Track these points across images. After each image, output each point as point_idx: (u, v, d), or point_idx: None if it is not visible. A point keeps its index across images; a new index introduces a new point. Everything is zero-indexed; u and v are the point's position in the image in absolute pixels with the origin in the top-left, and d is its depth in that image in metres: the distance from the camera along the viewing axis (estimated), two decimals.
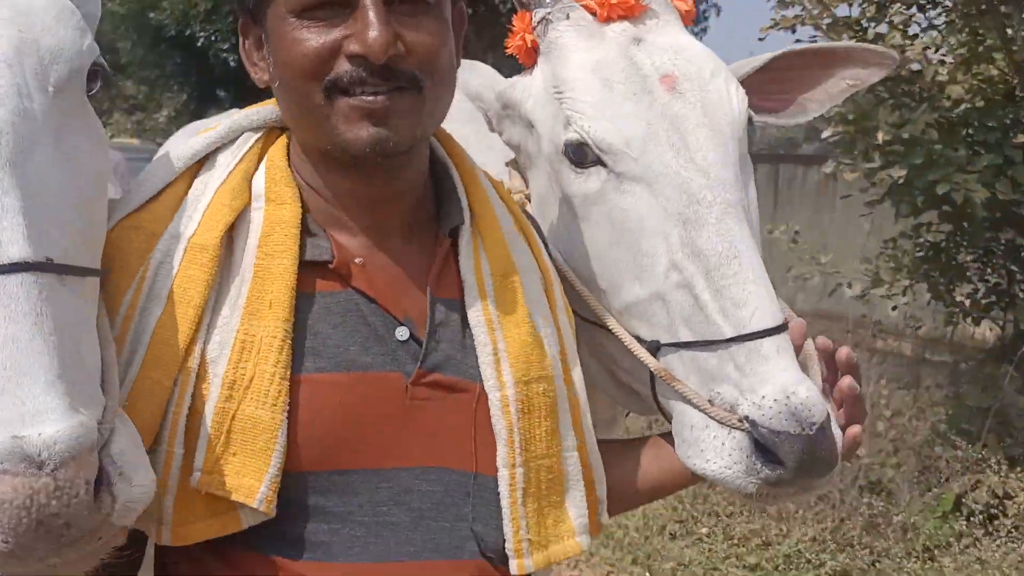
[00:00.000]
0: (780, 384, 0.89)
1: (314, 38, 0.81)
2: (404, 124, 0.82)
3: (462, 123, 1.17)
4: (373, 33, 0.78)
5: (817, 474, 0.91)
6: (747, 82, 1.15)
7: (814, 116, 1.24)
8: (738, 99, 1.06)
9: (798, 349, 0.98)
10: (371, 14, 0.78)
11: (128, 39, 13.34)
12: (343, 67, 0.81)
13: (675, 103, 1.02)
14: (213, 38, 11.07)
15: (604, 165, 1.02)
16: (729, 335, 0.92)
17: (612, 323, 1.04)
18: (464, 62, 1.05)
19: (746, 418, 0.90)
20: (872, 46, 1.24)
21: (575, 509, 0.93)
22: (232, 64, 11.00)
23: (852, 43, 1.17)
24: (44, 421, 0.63)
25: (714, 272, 0.95)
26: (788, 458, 0.87)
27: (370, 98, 0.81)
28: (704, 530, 3.67)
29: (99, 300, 0.79)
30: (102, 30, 0.87)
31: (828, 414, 0.91)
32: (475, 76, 1.21)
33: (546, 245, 1.05)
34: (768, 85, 1.20)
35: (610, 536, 3.54)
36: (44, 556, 0.65)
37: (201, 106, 13.66)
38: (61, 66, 0.75)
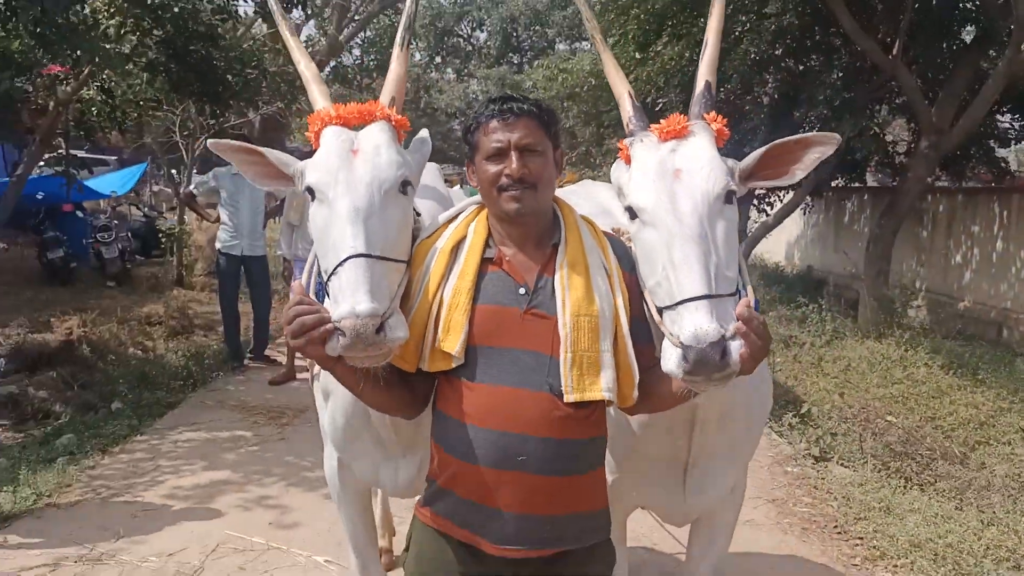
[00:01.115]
0: (692, 322, 1.64)
1: (493, 168, 1.87)
2: (528, 202, 1.86)
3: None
4: (513, 166, 1.83)
5: (711, 370, 1.62)
6: (754, 165, 1.99)
7: (800, 178, 2.01)
8: (713, 181, 1.80)
9: (750, 314, 1.76)
10: (514, 159, 1.84)
11: None
12: (503, 181, 1.87)
13: (676, 185, 1.81)
14: None
15: (637, 217, 1.90)
16: (677, 300, 1.70)
17: (647, 296, 1.88)
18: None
19: (680, 342, 1.73)
20: (827, 133, 1.93)
21: (605, 380, 1.81)
22: None
23: (817, 133, 1.86)
24: (362, 303, 1.70)
25: (676, 269, 1.72)
26: (691, 359, 1.63)
27: (514, 192, 1.86)
28: None
29: (407, 270, 1.93)
30: None
31: (722, 338, 1.63)
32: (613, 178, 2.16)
33: (619, 258, 1.99)
34: (768, 163, 1.95)
35: None
36: (356, 353, 1.70)
37: None
38: (390, 185, 1.90)
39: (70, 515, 4.33)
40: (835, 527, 4.52)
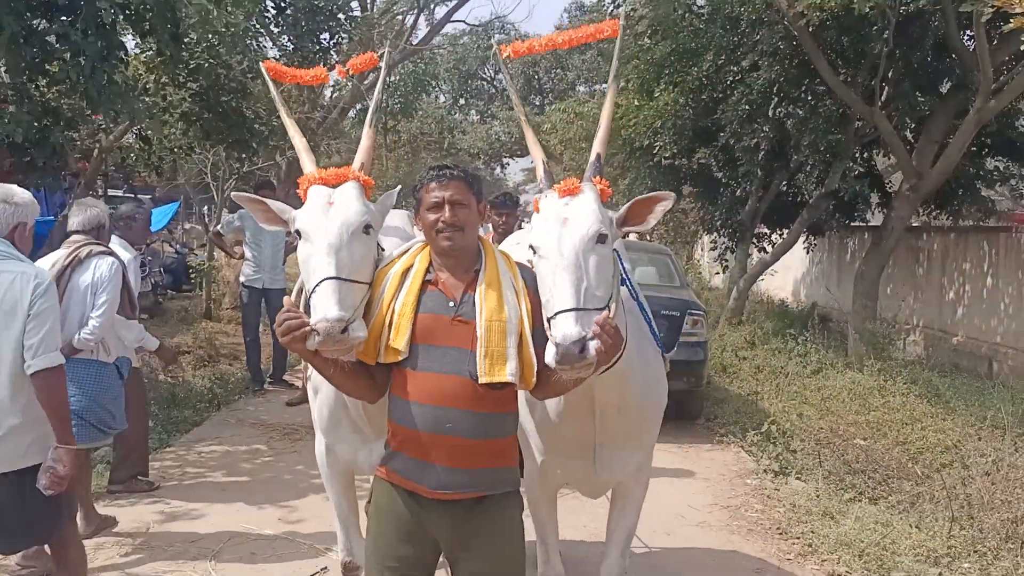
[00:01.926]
0: (562, 327, 2.17)
1: (432, 216, 2.50)
2: (457, 240, 2.51)
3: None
4: (446, 216, 2.48)
5: (574, 361, 2.15)
6: (624, 215, 2.63)
7: (652, 224, 2.63)
8: (588, 227, 2.35)
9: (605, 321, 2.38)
10: (447, 210, 2.49)
11: None
12: (439, 225, 2.51)
13: (563, 229, 2.35)
14: None
15: (536, 252, 2.55)
16: (554, 311, 2.23)
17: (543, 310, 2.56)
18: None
19: (554, 341, 2.27)
20: (666, 192, 2.58)
21: (509, 367, 2.38)
22: None
23: (660, 192, 2.52)
24: (331, 311, 2.35)
25: (556, 289, 2.27)
26: (559, 353, 2.16)
27: (447, 234, 2.51)
28: None
29: (368, 289, 2.58)
30: None
31: (583, 339, 2.18)
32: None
33: (527, 281, 2.62)
34: (634, 213, 2.56)
35: None
36: (327, 347, 2.36)
37: None
38: (356, 228, 2.56)
39: (108, 511, 4.98)
40: (778, 529, 5.08)
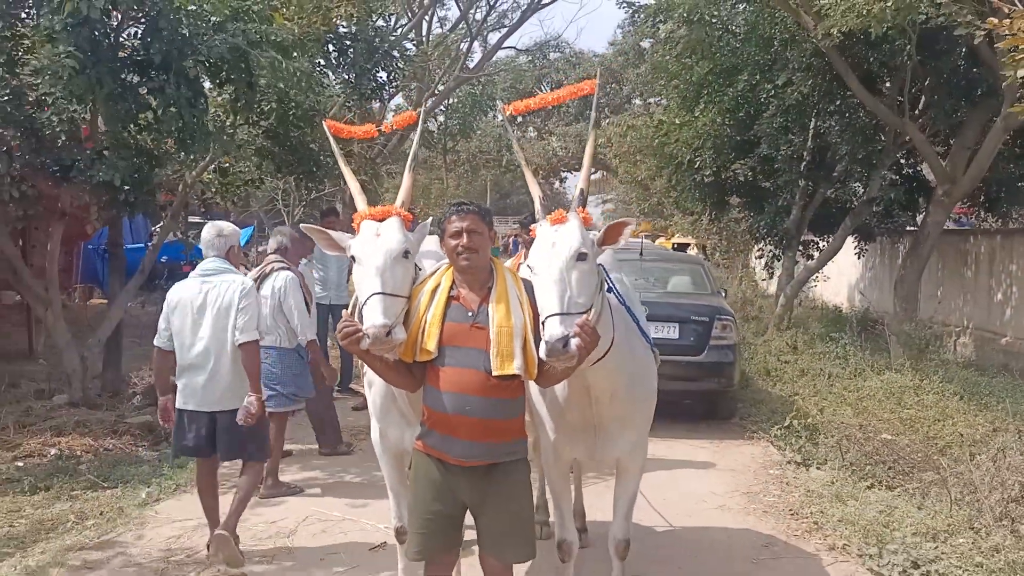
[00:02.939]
0: (549, 327, 2.77)
1: (453, 242, 3.20)
2: (473, 261, 3.18)
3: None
4: (464, 241, 3.17)
5: (559, 354, 2.77)
6: (602, 237, 3.26)
7: (622, 244, 3.26)
8: (570, 249, 2.94)
9: (584, 323, 3.03)
10: (465, 237, 3.18)
11: None
12: (459, 249, 3.20)
13: (551, 251, 3.01)
14: None
15: (532, 269, 3.19)
16: (544, 315, 2.87)
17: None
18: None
19: (544, 339, 2.91)
20: (628, 219, 3.23)
21: (516, 363, 3.05)
22: None
23: (626, 218, 3.15)
24: (378, 320, 3.04)
25: (545, 298, 2.93)
26: (547, 348, 2.84)
27: (465, 256, 3.19)
28: None
29: (407, 302, 3.28)
30: None
31: (566, 337, 2.81)
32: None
33: (531, 294, 3.27)
34: (609, 235, 3.22)
35: None
36: (376, 347, 3.05)
37: None
38: (397, 254, 3.26)
39: (197, 500, 5.79)
40: (790, 511, 5.61)
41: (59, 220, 8.03)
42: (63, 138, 6.86)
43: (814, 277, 16.94)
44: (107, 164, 7.04)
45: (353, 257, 3.26)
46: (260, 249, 24.71)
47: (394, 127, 3.94)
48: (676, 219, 25.00)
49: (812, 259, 14.24)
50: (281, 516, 5.49)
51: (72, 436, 7.53)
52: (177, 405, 4.77)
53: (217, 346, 4.60)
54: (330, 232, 3.44)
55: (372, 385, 3.82)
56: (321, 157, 10.06)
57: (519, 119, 39.27)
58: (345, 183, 13.00)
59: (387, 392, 3.70)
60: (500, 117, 36.94)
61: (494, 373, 3.07)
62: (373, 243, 3.21)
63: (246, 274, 17.26)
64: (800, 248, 14.28)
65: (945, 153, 10.70)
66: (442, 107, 22.10)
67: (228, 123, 8.80)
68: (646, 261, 9.19)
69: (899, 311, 10.91)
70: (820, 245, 14.72)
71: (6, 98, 6.55)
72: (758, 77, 11.30)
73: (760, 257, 14.86)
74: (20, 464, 6.77)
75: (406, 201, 3.46)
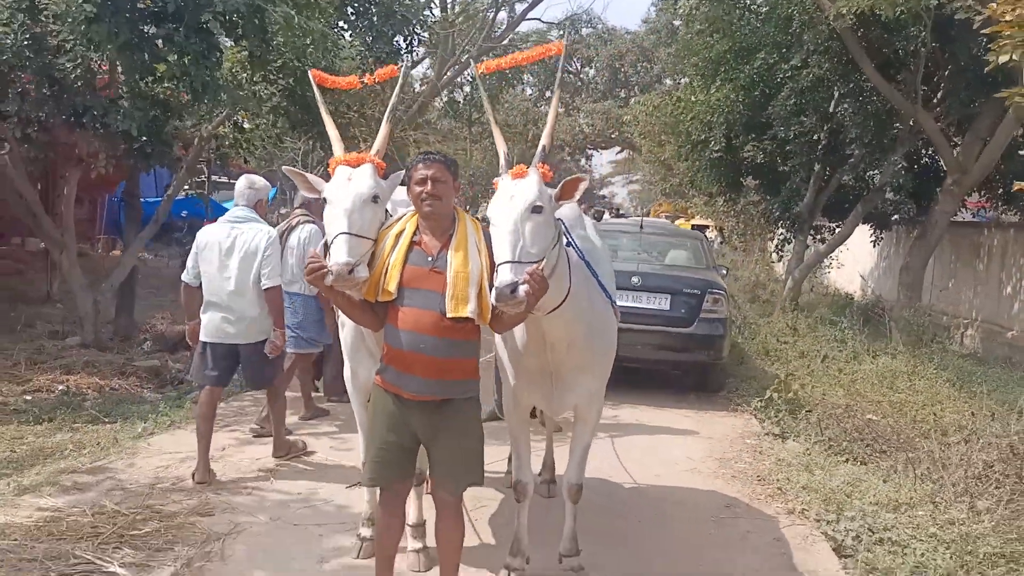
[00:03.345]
0: (500, 274, 2.92)
1: (418, 188, 3.36)
2: (435, 207, 3.35)
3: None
4: (428, 188, 3.33)
5: (507, 299, 2.90)
6: (559, 192, 3.40)
7: (577, 199, 3.40)
8: (525, 201, 3.08)
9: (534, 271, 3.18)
10: (428, 185, 3.34)
11: None
12: (423, 195, 3.36)
13: (508, 203, 3.21)
14: None
15: (490, 221, 3.35)
16: (497, 263, 3.03)
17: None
18: None
19: (494, 284, 3.06)
20: (582, 175, 3.36)
21: (470, 307, 3.21)
22: None
23: (579, 174, 3.29)
24: (342, 257, 3.24)
25: (498, 246, 3.07)
26: (497, 293, 2.95)
27: (428, 202, 3.36)
28: None
29: (373, 243, 3.45)
30: None
31: (515, 283, 2.95)
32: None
33: (488, 242, 3.43)
34: (566, 191, 3.31)
35: None
36: (339, 283, 3.23)
37: None
38: (365, 198, 3.44)
39: (194, 436, 6.04)
40: (758, 477, 5.76)
41: (75, 166, 8.28)
42: (79, 84, 7.07)
43: (827, 263, 16.93)
44: (123, 113, 7.26)
45: (325, 199, 3.43)
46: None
47: (377, 80, 4.10)
48: (696, 200, 24.94)
49: (822, 244, 14.25)
50: (266, 453, 5.73)
51: (80, 375, 7.84)
52: (201, 338, 5.26)
53: (242, 286, 5.13)
54: (307, 175, 3.62)
55: (344, 326, 4.01)
56: (337, 120, 10.23)
57: (548, 93, 39.20)
58: (366, 139, 13.27)
59: (356, 332, 3.89)
60: (529, 91, 36.98)
61: (448, 315, 3.24)
62: (344, 187, 3.38)
63: None
64: (812, 233, 14.29)
65: (957, 143, 10.67)
66: (467, 77, 22.13)
67: (244, 78, 9.00)
68: (645, 234, 9.31)
69: (902, 298, 10.95)
70: (833, 230, 14.73)
71: (26, 43, 6.76)
72: (775, 57, 11.30)
73: (772, 240, 14.88)
74: (28, 398, 7.08)
75: (381, 150, 3.63)
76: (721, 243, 24.95)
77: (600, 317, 3.80)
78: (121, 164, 8.56)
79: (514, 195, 3.23)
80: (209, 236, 5.25)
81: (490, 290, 3.21)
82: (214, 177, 13.76)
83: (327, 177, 3.56)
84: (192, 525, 4.43)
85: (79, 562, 3.87)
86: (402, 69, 4.14)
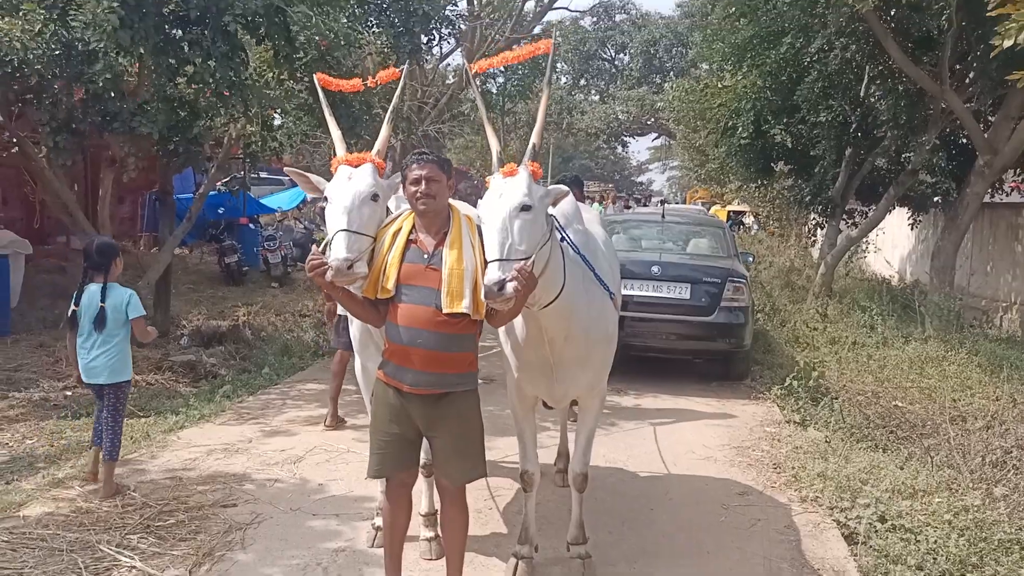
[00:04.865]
0: (490, 271, 3.01)
1: (413, 188, 3.46)
2: (430, 205, 3.45)
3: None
4: (423, 187, 3.43)
5: (496, 295, 2.99)
6: (551, 200, 3.47)
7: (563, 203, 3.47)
8: (515, 200, 3.14)
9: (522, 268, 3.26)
10: (423, 184, 3.44)
11: None
12: (418, 194, 3.46)
13: (498, 201, 3.27)
14: None
15: (481, 218, 3.41)
16: (488, 260, 3.23)
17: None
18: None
19: (484, 282, 3.19)
20: (561, 186, 3.44)
21: (464, 302, 3.31)
22: None
23: (560, 186, 3.41)
24: (342, 253, 3.35)
25: (488, 244, 3.18)
26: (486, 289, 3.10)
27: (423, 201, 3.46)
28: None
29: (373, 241, 3.56)
30: None
31: (503, 280, 3.01)
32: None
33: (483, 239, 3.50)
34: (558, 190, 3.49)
35: None
36: (339, 279, 3.34)
37: None
38: (365, 196, 3.55)
39: (222, 429, 6.26)
40: (774, 465, 5.78)
41: (109, 167, 8.52)
42: (109, 90, 7.28)
43: (863, 247, 16.70)
44: (147, 117, 7.46)
45: (326, 197, 3.55)
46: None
47: (379, 83, 4.20)
48: (731, 187, 24.75)
49: (855, 228, 14.08)
50: (291, 445, 5.90)
51: None
52: (339, 313, 5.69)
53: None
54: (309, 176, 3.75)
55: (353, 322, 4.13)
56: (364, 118, 10.37)
57: (582, 81, 39.11)
58: (397, 134, 13.34)
59: (364, 328, 4.02)
60: (564, 80, 36.90)
61: (444, 310, 3.34)
62: (345, 185, 3.50)
63: (305, 228, 17.85)
64: (845, 217, 14.13)
65: (989, 124, 10.47)
66: (501, 68, 22.15)
67: (271, 77, 9.17)
68: (667, 223, 9.32)
69: (935, 282, 10.81)
70: (867, 215, 14.54)
71: (57, 52, 6.99)
72: (802, 40, 11.18)
73: (805, 225, 14.73)
74: (68, 393, 7.33)
75: (381, 151, 3.74)
76: (759, 229, 24.73)
77: (597, 309, 3.87)
78: (155, 164, 8.79)
79: (503, 193, 3.30)
80: None
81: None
82: (256, 174, 14.00)
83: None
84: (215, 515, 4.61)
85: (102, 555, 4.05)
86: (403, 71, 4.23)
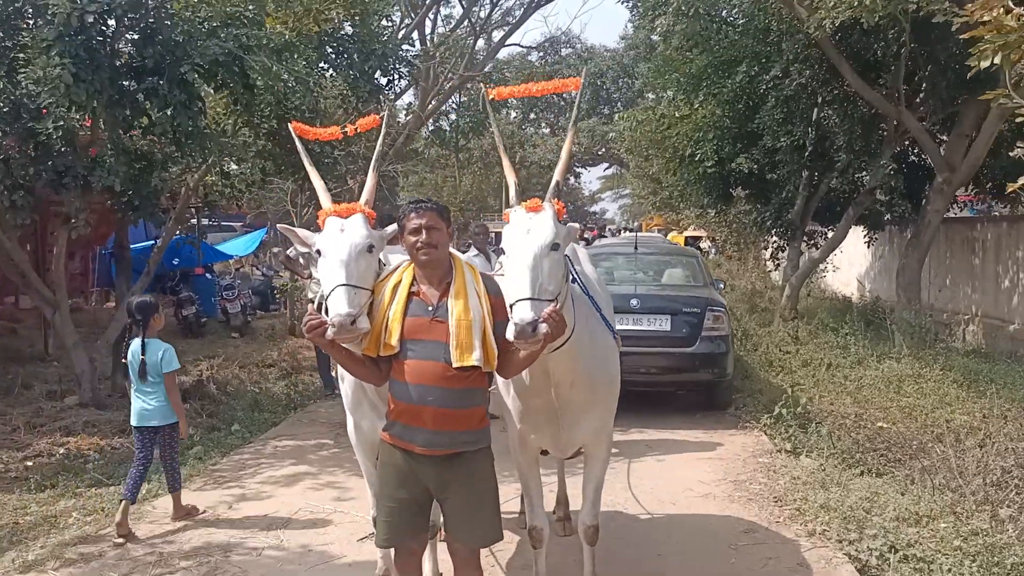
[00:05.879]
0: (519, 311, 2.87)
1: (413, 238, 3.30)
2: (431, 255, 3.29)
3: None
4: (423, 238, 3.27)
5: (526, 336, 2.86)
6: (572, 236, 3.35)
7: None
8: (544, 238, 3.05)
9: (553, 310, 3.12)
10: (423, 234, 3.28)
11: None
12: (418, 245, 3.31)
13: (525, 238, 3.11)
14: None
15: (504, 253, 3.27)
16: (514, 299, 2.99)
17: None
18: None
19: (512, 321, 3.06)
20: (573, 224, 3.30)
21: (475, 355, 3.16)
22: None
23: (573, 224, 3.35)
24: (343, 309, 3.15)
25: (515, 282, 3.04)
26: (515, 330, 2.89)
27: (424, 251, 3.30)
28: None
29: (371, 295, 3.39)
30: None
31: (535, 321, 2.90)
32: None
33: (488, 287, 3.36)
34: (576, 229, 3.38)
35: None
36: (341, 336, 3.17)
37: None
38: (361, 248, 3.38)
39: (197, 495, 5.95)
40: (775, 498, 5.67)
41: (63, 225, 8.20)
42: (60, 146, 7.01)
43: (823, 267, 16.89)
44: (107, 170, 7.20)
45: (318, 252, 3.37)
46: (274, 251, 25.09)
47: (358, 130, 4.06)
48: (687, 213, 24.97)
49: (816, 249, 14.23)
50: (273, 509, 5.62)
51: (81, 436, 7.73)
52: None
53: None
54: (298, 231, 3.57)
55: (344, 379, 3.93)
56: (324, 160, 10.18)
57: (531, 115, 39.38)
58: (355, 175, 13.23)
59: (358, 385, 3.81)
60: (513, 115, 37.11)
61: (454, 364, 3.17)
62: (338, 237, 3.33)
63: (263, 275, 17.50)
64: (805, 239, 14.27)
65: (943, 142, 10.66)
66: (453, 104, 22.10)
67: (228, 125, 8.95)
68: (640, 254, 9.26)
69: (901, 299, 10.91)
70: (827, 235, 14.70)
71: (6, 109, 6.71)
72: (756, 68, 11.32)
73: (765, 248, 14.85)
74: (29, 463, 6.95)
75: (369, 200, 3.58)
76: (716, 253, 24.94)
77: (602, 350, 3.73)
78: (109, 218, 8.48)
79: (531, 229, 3.17)
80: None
81: (494, 336, 3.15)
82: (204, 221, 13.68)
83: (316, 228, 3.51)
84: None
85: None
86: (384, 117, 4.08)
